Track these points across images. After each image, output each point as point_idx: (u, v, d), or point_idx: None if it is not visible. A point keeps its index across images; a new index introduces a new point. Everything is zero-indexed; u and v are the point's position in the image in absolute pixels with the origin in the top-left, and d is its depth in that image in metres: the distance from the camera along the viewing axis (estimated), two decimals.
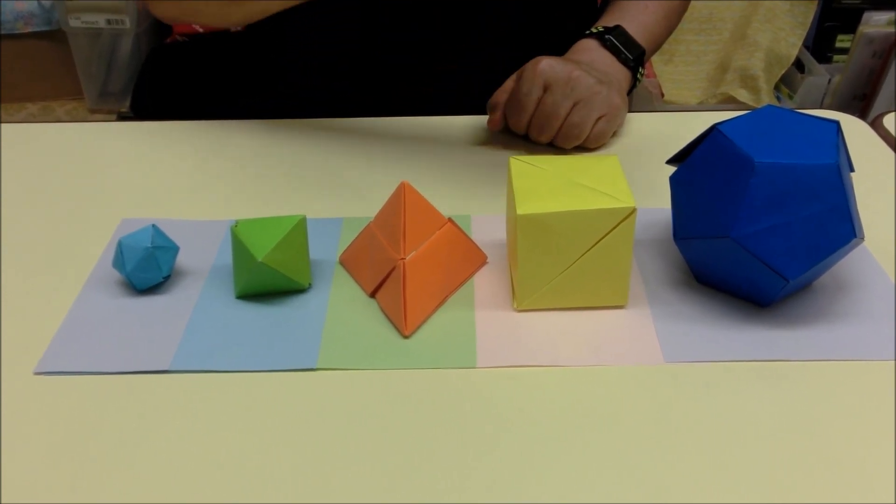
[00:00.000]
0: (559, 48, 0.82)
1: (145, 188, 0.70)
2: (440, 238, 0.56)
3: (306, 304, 0.56)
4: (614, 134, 0.76)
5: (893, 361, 0.51)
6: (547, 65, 0.71)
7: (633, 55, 0.79)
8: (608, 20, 0.82)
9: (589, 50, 0.78)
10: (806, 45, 1.91)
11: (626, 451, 0.46)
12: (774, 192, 0.50)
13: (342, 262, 0.60)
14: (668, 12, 0.86)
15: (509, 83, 0.76)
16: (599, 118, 0.72)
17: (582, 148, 0.74)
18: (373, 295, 0.57)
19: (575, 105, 0.71)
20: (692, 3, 0.91)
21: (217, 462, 0.46)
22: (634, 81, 0.80)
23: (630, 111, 0.79)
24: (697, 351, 0.52)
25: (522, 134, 0.75)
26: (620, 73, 0.78)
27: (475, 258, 0.60)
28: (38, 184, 0.70)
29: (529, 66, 0.73)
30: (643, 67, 0.81)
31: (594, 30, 0.80)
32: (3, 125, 0.79)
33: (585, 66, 0.72)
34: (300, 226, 0.55)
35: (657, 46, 0.87)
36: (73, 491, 0.44)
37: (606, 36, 0.78)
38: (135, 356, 0.52)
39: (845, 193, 0.50)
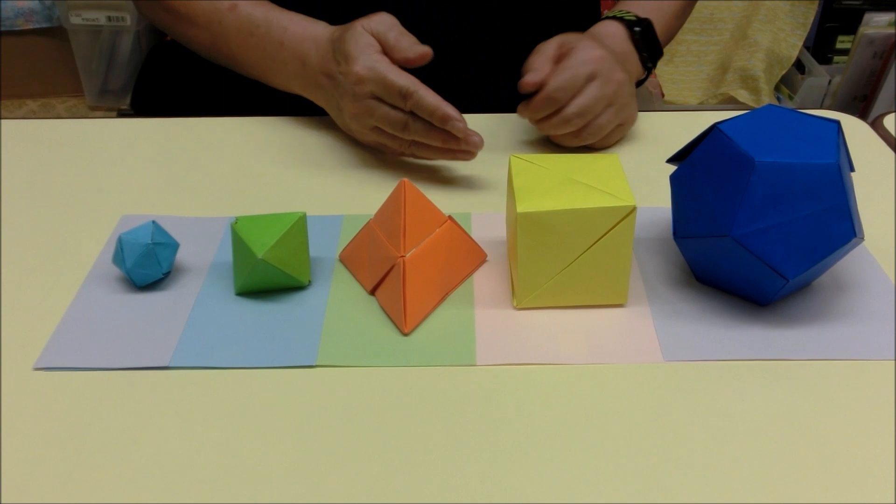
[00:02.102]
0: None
1: (145, 185, 0.70)
2: (440, 236, 0.56)
3: (306, 302, 0.56)
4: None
5: (892, 361, 0.51)
6: (602, 56, 0.69)
7: (652, 60, 0.78)
8: (634, 7, 0.80)
9: (617, 39, 0.76)
10: (806, 46, 1.91)
11: (625, 449, 0.46)
12: (774, 191, 0.50)
13: (342, 260, 0.60)
14: (679, 12, 0.85)
15: (550, 50, 0.71)
16: (619, 125, 0.72)
17: (585, 146, 0.74)
18: (372, 292, 0.57)
19: (607, 107, 0.70)
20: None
21: (216, 458, 0.46)
22: (645, 79, 0.80)
23: None
24: (697, 350, 0.52)
25: (539, 117, 0.71)
26: (638, 72, 0.77)
27: (475, 256, 0.60)
28: (39, 180, 0.70)
29: (584, 47, 0.70)
30: (655, 66, 0.80)
31: (621, 14, 0.78)
32: (3, 122, 0.79)
33: (626, 68, 0.72)
34: (300, 223, 0.55)
35: (668, 42, 0.86)
36: (72, 487, 0.44)
37: (636, 28, 0.77)
38: (134, 352, 0.52)
39: (845, 193, 0.50)
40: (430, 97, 0.65)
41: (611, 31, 0.77)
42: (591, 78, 0.69)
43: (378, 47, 0.67)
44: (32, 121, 0.81)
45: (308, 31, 0.72)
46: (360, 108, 0.67)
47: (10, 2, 1.82)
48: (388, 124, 0.67)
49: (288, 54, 0.72)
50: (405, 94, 0.65)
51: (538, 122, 0.72)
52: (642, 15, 0.78)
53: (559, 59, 0.71)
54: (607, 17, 0.79)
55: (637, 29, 0.77)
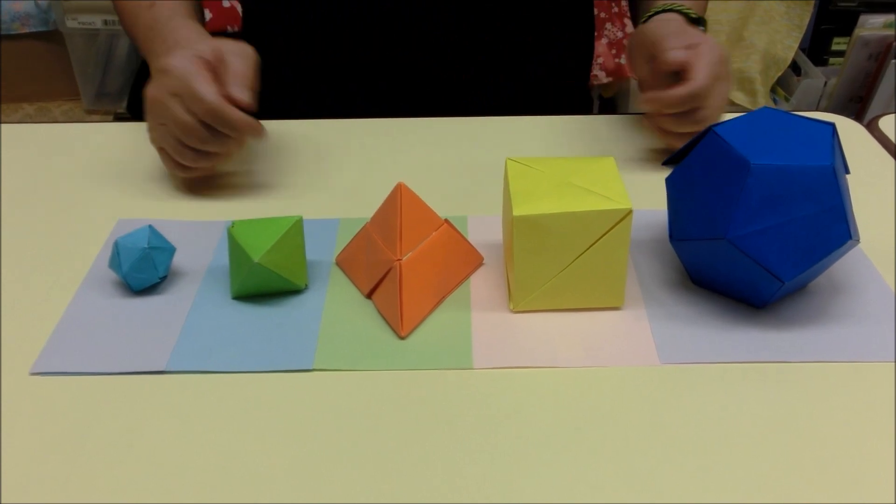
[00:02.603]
0: (557, 53, 0.82)
1: (142, 189, 0.70)
2: (436, 239, 0.56)
3: (302, 305, 0.56)
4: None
5: (889, 362, 0.51)
6: (725, 58, 0.67)
7: None
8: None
9: (691, 32, 0.72)
10: (802, 48, 1.92)
11: (621, 451, 0.46)
12: (770, 194, 0.50)
13: (339, 263, 0.60)
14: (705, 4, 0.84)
15: (679, 40, 0.68)
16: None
17: (584, 150, 0.74)
18: (369, 296, 0.57)
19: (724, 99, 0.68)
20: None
21: (213, 462, 0.45)
22: None
23: (627, 112, 0.79)
24: (693, 352, 0.52)
25: (672, 112, 0.68)
26: None
27: (471, 259, 0.60)
28: (35, 184, 0.70)
29: (711, 52, 0.67)
30: None
31: (682, 9, 0.75)
32: None
33: None
34: (297, 227, 0.55)
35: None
36: (69, 491, 0.44)
37: (700, 27, 0.75)
38: (131, 357, 0.52)
39: (841, 195, 0.50)
40: (235, 114, 0.63)
41: (684, 28, 0.73)
42: (719, 76, 0.67)
43: (204, 61, 0.64)
44: (29, 125, 0.80)
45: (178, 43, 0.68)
46: (157, 98, 0.64)
47: (7, 3, 1.82)
48: (175, 124, 0.64)
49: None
50: (205, 108, 0.62)
51: (662, 115, 0.69)
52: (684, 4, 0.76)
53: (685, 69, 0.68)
54: (661, 11, 0.75)
55: (701, 28, 0.75)
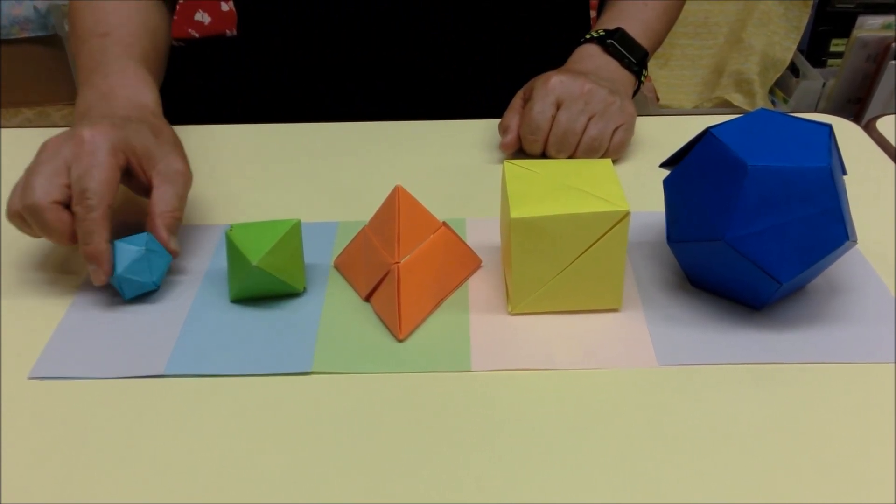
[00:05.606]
0: (554, 53, 0.82)
1: None
2: (434, 242, 0.56)
3: (301, 308, 0.56)
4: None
5: (887, 364, 0.51)
6: (557, 81, 0.70)
7: (636, 58, 0.78)
8: (607, 22, 0.81)
9: (592, 57, 0.77)
10: (800, 50, 1.92)
11: (620, 454, 0.46)
12: (767, 195, 0.50)
13: (337, 266, 0.60)
14: (667, 8, 0.85)
15: (517, 102, 0.74)
16: (616, 129, 0.71)
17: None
18: (367, 299, 0.57)
19: (591, 119, 0.70)
20: (686, 5, 0.91)
21: (212, 466, 0.46)
22: (638, 83, 0.80)
23: None
24: (691, 354, 0.52)
25: (539, 154, 0.72)
26: (626, 78, 0.77)
27: (469, 262, 0.60)
28: None
29: (539, 83, 0.71)
30: (646, 68, 0.80)
31: (594, 33, 0.78)
32: None
33: (594, 77, 0.71)
34: (295, 230, 0.55)
35: (658, 44, 0.86)
36: (67, 495, 0.44)
37: (608, 41, 0.77)
38: (129, 361, 0.52)
39: (838, 196, 0.50)
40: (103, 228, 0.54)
41: (585, 53, 0.78)
42: (558, 104, 0.70)
43: (126, 155, 0.57)
44: (28, 129, 0.81)
45: (106, 109, 0.64)
46: (49, 156, 0.58)
47: (6, 8, 1.82)
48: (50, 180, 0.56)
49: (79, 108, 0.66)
50: (83, 197, 0.54)
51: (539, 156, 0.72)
52: (614, 26, 0.79)
53: (527, 103, 0.72)
54: (582, 42, 0.80)
55: (609, 41, 0.77)
